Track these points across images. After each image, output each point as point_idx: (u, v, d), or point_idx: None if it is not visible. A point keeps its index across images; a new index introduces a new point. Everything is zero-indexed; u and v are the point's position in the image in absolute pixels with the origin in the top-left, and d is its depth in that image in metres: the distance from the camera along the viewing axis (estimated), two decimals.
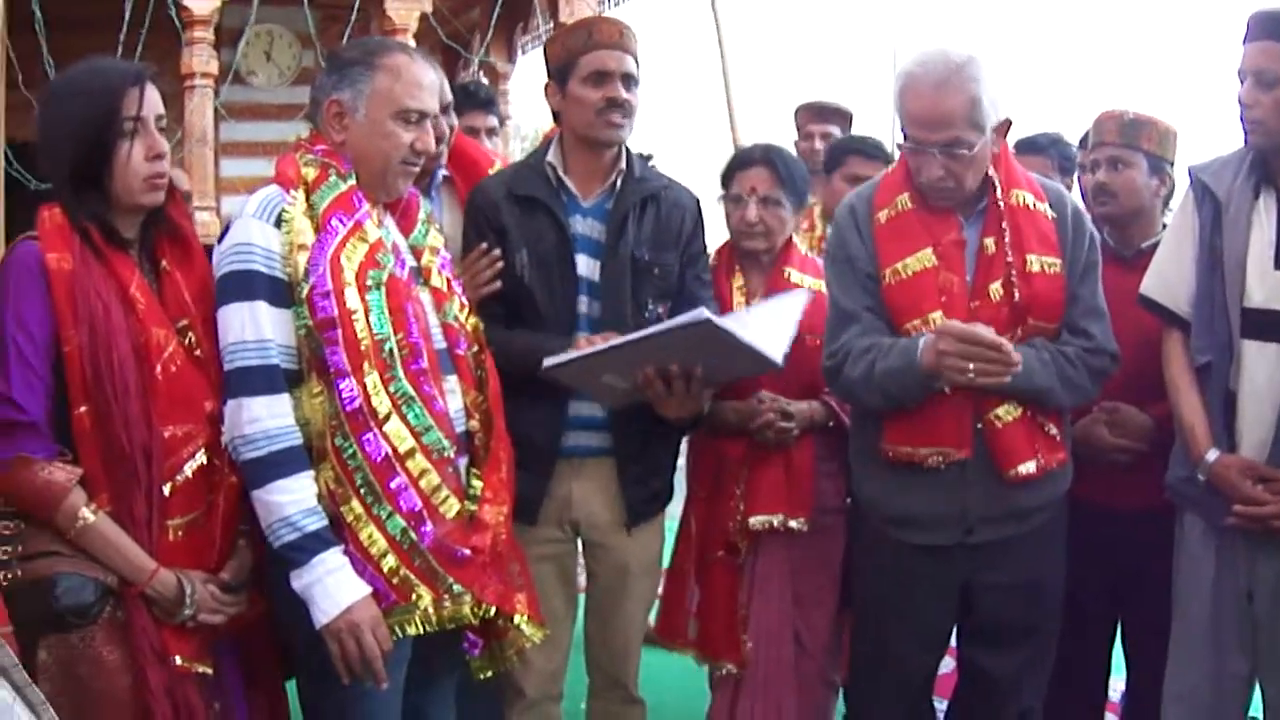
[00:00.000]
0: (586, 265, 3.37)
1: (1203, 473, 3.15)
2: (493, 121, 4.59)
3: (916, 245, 3.20)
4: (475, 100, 4.53)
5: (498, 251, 3.34)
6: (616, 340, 3.08)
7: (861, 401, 3.29)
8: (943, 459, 3.16)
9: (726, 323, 3.01)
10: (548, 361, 3.07)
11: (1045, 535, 3.32)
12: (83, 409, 2.49)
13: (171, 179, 2.74)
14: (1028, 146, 4.45)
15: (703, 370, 3.15)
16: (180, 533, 2.57)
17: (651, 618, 3.81)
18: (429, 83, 2.85)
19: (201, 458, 2.59)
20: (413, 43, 7.54)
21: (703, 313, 2.93)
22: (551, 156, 3.42)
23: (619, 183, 3.42)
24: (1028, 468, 3.16)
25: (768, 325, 3.19)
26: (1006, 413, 3.14)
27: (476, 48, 9.30)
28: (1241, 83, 3.13)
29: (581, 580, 3.62)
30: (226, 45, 8.27)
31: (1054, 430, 3.23)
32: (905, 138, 3.19)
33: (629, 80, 3.35)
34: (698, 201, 3.58)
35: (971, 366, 2.99)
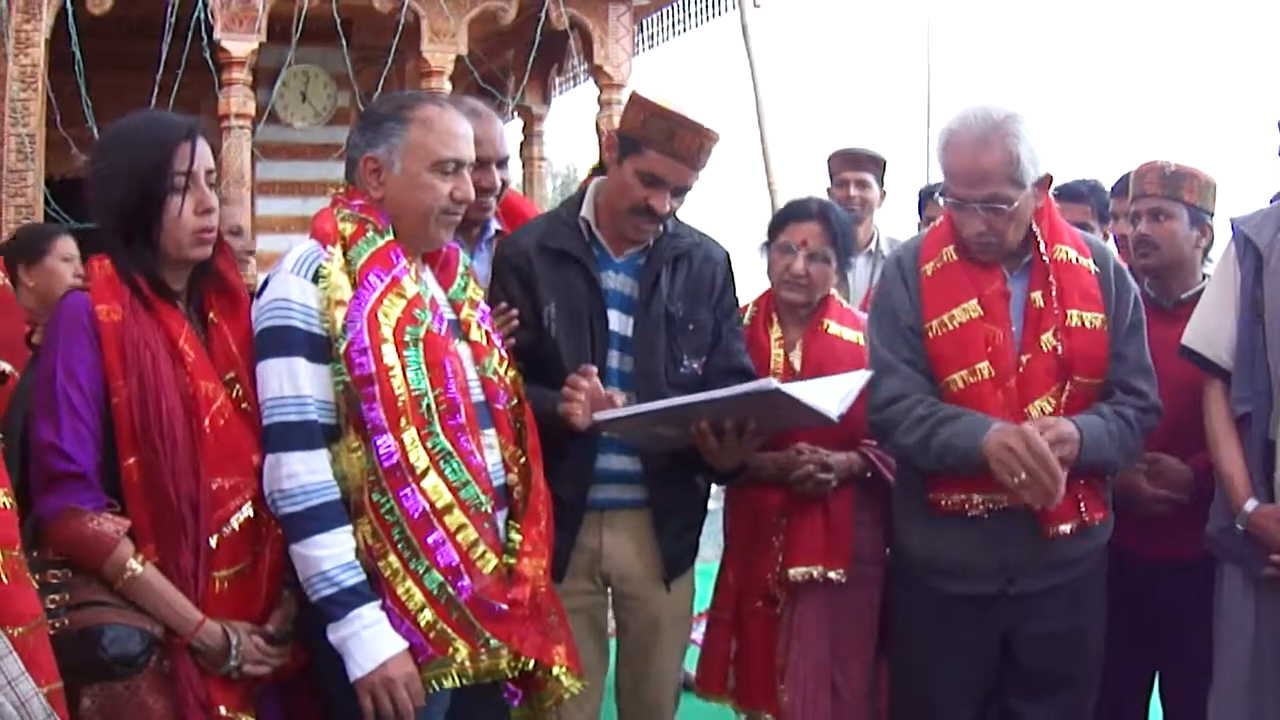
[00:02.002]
0: (618, 320, 3.36)
1: (1241, 523, 3.15)
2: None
3: (962, 297, 3.23)
4: None
5: (515, 311, 3.30)
6: (679, 400, 3.09)
7: (912, 461, 3.29)
8: (992, 505, 3.17)
9: (793, 390, 3.01)
10: (599, 416, 3.06)
11: (1086, 586, 3.32)
12: (131, 460, 2.51)
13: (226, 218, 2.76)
14: (1067, 194, 4.45)
15: (755, 424, 3.15)
16: (226, 584, 2.59)
17: (691, 667, 3.80)
18: (463, 132, 2.86)
19: (248, 510, 2.61)
20: (448, 85, 7.60)
21: (771, 382, 2.95)
22: (585, 212, 3.41)
23: (652, 239, 3.41)
24: (1065, 528, 3.17)
25: (829, 387, 3.18)
26: None
27: (512, 90, 9.34)
28: None
29: (610, 626, 3.61)
30: (263, 85, 8.30)
31: (1098, 486, 3.24)
32: (947, 193, 3.21)
33: (681, 191, 3.32)
34: (728, 255, 3.58)
35: (1023, 476, 2.99)
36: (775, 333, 3.73)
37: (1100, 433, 3.14)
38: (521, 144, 10.03)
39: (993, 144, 3.09)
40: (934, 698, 3.36)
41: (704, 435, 3.12)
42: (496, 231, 3.72)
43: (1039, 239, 3.26)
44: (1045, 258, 3.25)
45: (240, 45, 7.10)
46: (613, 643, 3.61)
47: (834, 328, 3.71)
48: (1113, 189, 4.48)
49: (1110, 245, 4.00)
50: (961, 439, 3.11)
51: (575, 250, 3.36)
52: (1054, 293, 3.21)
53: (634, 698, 3.56)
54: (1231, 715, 3.22)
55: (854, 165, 5.49)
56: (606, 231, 3.40)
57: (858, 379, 3.24)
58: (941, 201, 3.29)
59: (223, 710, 2.55)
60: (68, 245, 4.39)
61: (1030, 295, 3.25)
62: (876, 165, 5.52)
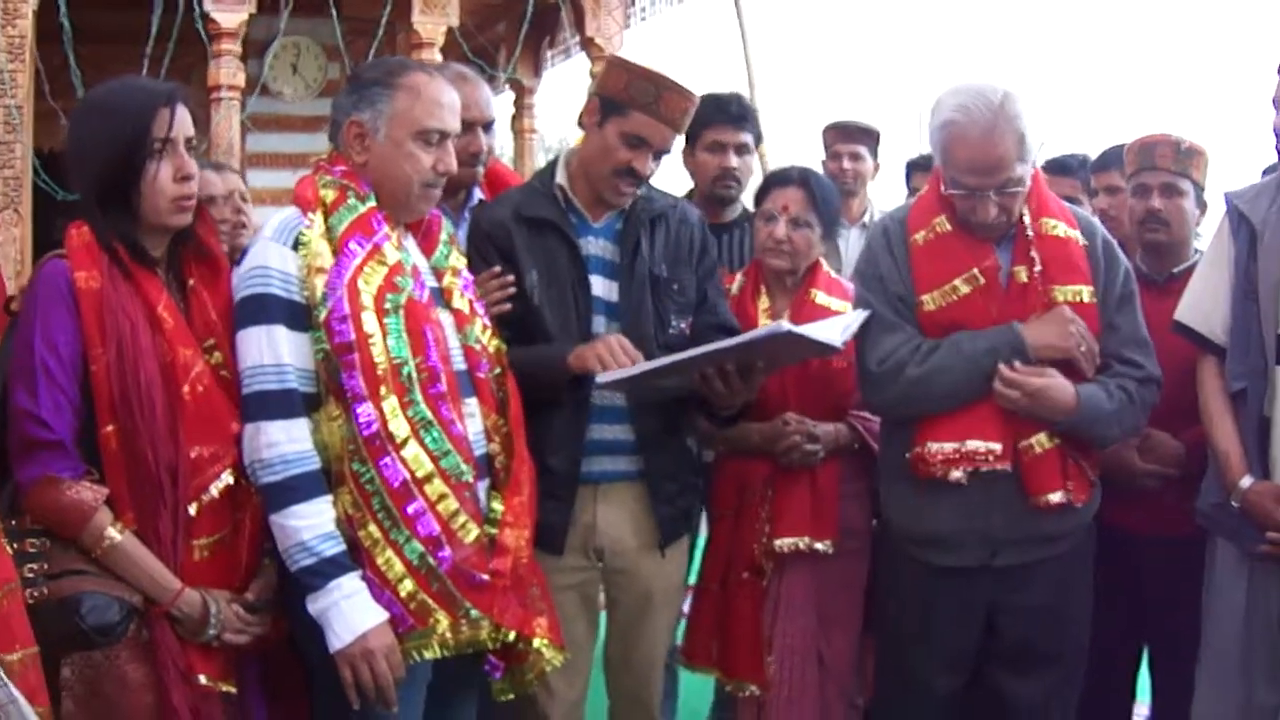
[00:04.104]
0: (602, 285, 3.35)
1: (1236, 499, 3.13)
2: (745, 138, 4.21)
3: (962, 267, 3.22)
4: (727, 115, 4.16)
5: (511, 277, 3.28)
6: (690, 353, 3.08)
7: (919, 403, 3.24)
8: (984, 459, 3.14)
9: (803, 329, 3.05)
10: (603, 377, 3.03)
11: (1071, 560, 3.32)
12: (109, 428, 2.50)
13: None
14: (1057, 168, 4.43)
15: (763, 364, 3.16)
16: (206, 552, 2.58)
17: (677, 638, 3.80)
18: (449, 101, 2.84)
19: (228, 478, 2.59)
20: (439, 57, 7.56)
21: (783, 325, 2.98)
22: (560, 179, 3.39)
23: (628, 203, 3.39)
24: (1055, 497, 3.16)
25: (830, 324, 3.22)
26: (1049, 439, 3.15)
27: (503, 63, 9.32)
28: (1277, 110, 3.12)
29: (600, 600, 3.59)
30: (253, 57, 8.26)
31: (1085, 464, 3.23)
32: (953, 185, 3.17)
33: (661, 154, 3.33)
34: (702, 216, 3.60)
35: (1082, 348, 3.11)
36: (763, 303, 3.72)
37: (1100, 401, 3.14)
38: (513, 116, 10.01)
39: (1003, 130, 3.06)
40: (919, 670, 3.36)
41: (710, 380, 3.12)
42: (480, 201, 3.69)
43: (1024, 212, 3.24)
44: (1029, 231, 3.22)
45: (230, 16, 7.06)
46: (602, 616, 3.59)
47: (821, 298, 3.69)
48: (1093, 164, 4.44)
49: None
50: (990, 336, 3.16)
51: (553, 217, 3.34)
52: (1036, 268, 3.20)
53: (624, 668, 3.55)
54: (1220, 689, 3.22)
55: (847, 138, 5.50)
56: (583, 197, 3.39)
57: (857, 316, 3.28)
58: (950, 194, 3.23)
59: (203, 679, 2.54)
60: None
61: (1013, 269, 3.23)
62: (870, 137, 5.53)
